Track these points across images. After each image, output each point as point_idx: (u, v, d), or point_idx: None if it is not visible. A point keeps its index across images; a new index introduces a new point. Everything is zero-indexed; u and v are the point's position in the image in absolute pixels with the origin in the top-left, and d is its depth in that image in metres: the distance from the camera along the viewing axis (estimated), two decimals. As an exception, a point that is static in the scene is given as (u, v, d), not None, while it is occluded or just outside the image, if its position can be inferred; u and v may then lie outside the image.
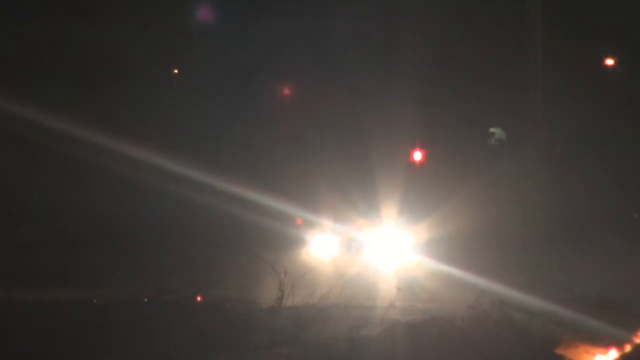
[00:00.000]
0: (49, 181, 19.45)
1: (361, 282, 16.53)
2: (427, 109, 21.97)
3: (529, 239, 19.79)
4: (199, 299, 12.67)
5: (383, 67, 21.94)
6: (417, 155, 22.60)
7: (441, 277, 17.37)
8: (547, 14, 21.80)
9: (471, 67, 21.60)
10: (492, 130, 22.47)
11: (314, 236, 20.00)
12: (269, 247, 16.65)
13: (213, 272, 13.07)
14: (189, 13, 22.19)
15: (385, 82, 21.83)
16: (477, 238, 19.77)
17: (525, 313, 12.80)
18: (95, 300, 12.31)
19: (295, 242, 19.43)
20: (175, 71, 22.76)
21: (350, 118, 22.15)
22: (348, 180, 21.38)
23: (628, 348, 11.15)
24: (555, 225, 20.32)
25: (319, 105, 22.60)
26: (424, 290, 16.94)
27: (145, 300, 12.36)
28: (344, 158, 21.97)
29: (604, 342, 11.36)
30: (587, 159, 20.34)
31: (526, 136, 21.79)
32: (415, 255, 19.37)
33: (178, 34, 21.72)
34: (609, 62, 21.48)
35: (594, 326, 11.54)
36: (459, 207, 20.53)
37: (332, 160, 21.67)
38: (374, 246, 19.96)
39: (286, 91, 22.95)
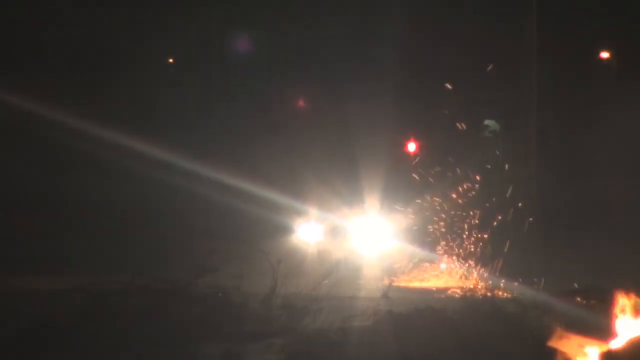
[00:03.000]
0: (47, 171, 19.43)
1: (352, 271, 16.57)
2: (420, 101, 22.03)
3: (522, 230, 19.84)
4: (193, 287, 12.66)
5: (374, 59, 21.98)
6: (411, 146, 22.66)
7: (430, 266, 17.42)
8: (542, 5, 21.88)
9: (466, 59, 21.66)
10: (486, 122, 22.56)
11: (302, 224, 20.04)
12: (259, 235, 16.68)
13: (207, 261, 13.03)
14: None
15: (376, 74, 21.88)
16: (466, 227, 19.80)
17: (517, 305, 12.84)
18: (89, 288, 12.25)
19: (283, 230, 19.47)
20: (170, 60, 22.77)
21: (339, 110, 22.21)
22: (335, 170, 21.43)
23: (620, 341, 11.19)
24: (546, 216, 20.40)
25: (308, 97, 22.64)
26: (414, 279, 17.01)
27: (140, 288, 12.34)
28: (332, 149, 22.02)
29: (597, 334, 11.39)
30: (578, 151, 20.44)
31: (519, 128, 21.87)
32: (404, 243, 19.43)
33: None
34: (604, 54, 21.59)
35: (587, 318, 11.56)
36: (449, 196, 20.58)
37: (319, 152, 21.72)
38: (361, 234, 20.02)
39: (276, 85, 22.97)
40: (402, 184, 21.42)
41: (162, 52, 22.35)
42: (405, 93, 22.06)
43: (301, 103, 22.67)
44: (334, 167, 21.51)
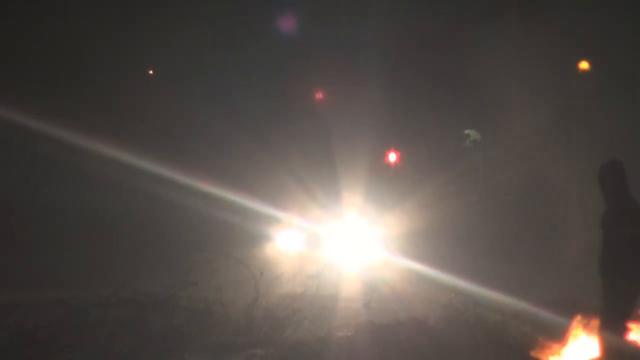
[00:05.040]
0: (27, 181, 19.38)
1: (334, 281, 16.58)
2: (402, 111, 22.11)
3: (501, 239, 19.94)
4: (174, 299, 12.65)
5: (356, 67, 22.04)
6: (392, 157, 22.75)
7: (412, 275, 17.41)
8: (522, 17, 22.01)
9: (447, 69, 21.75)
10: (467, 131, 22.66)
11: (283, 232, 20.04)
12: (240, 244, 16.64)
13: (189, 273, 13.02)
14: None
15: (357, 83, 21.93)
16: (447, 236, 19.89)
17: (499, 314, 12.88)
18: (70, 301, 12.19)
19: (264, 239, 19.45)
20: (151, 72, 22.75)
21: (321, 118, 22.27)
22: (316, 178, 21.48)
23: (601, 350, 11.21)
24: (527, 225, 20.47)
25: (289, 105, 22.67)
26: (396, 289, 17.00)
27: (122, 300, 12.30)
28: (314, 157, 22.06)
29: (577, 344, 11.44)
30: (557, 160, 20.50)
31: (499, 137, 21.97)
32: (385, 252, 19.46)
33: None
34: (583, 65, 21.76)
35: (567, 328, 11.61)
36: (429, 206, 20.67)
37: (300, 159, 21.75)
38: (342, 243, 20.03)
39: (254, 90, 22.97)
40: (383, 192, 21.51)
41: (147, 59, 22.36)
42: (387, 102, 22.16)
43: (282, 111, 22.69)
44: (315, 175, 21.56)
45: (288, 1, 22.93)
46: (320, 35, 22.42)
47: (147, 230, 19.07)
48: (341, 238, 20.22)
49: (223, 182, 19.30)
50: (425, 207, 20.55)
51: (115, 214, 19.13)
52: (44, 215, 18.84)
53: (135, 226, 19.08)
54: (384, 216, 20.94)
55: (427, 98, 21.82)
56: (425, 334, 12.42)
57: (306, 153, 21.91)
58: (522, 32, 21.74)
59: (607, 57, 20.84)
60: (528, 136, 21.18)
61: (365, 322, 12.96)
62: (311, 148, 22.12)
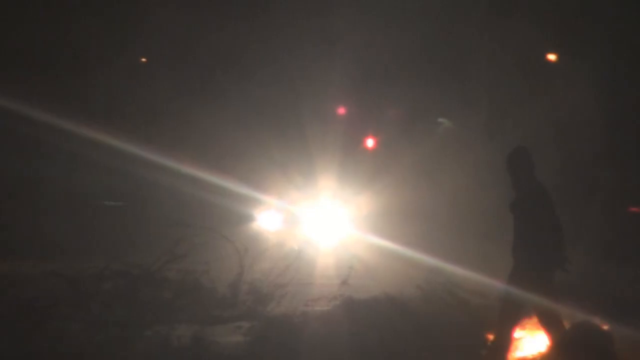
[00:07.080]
0: (23, 159, 19.60)
1: (313, 259, 17.00)
2: (378, 99, 22.48)
3: (475, 221, 20.33)
4: (164, 273, 13.06)
5: (332, 55, 22.38)
6: (369, 142, 23.16)
7: (385, 254, 17.77)
8: (495, 8, 22.38)
9: (422, 59, 22.11)
10: (440, 119, 23.11)
11: (263, 213, 20.46)
12: (224, 223, 16.94)
13: (177, 246, 13.42)
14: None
15: (334, 69, 22.26)
16: (417, 217, 20.33)
17: (475, 295, 13.34)
18: (64, 273, 12.55)
19: (246, 219, 19.86)
20: (144, 59, 23.02)
21: (297, 105, 22.61)
22: (295, 163, 21.89)
23: (573, 330, 11.56)
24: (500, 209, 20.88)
25: (268, 91, 22.98)
26: (370, 267, 17.39)
27: (114, 273, 12.71)
28: (292, 142, 22.43)
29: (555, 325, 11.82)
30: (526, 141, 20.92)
31: (471, 124, 22.42)
32: (358, 231, 19.89)
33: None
34: (551, 57, 22.20)
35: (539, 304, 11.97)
36: (402, 187, 21.09)
37: (279, 145, 22.12)
38: (319, 222, 20.48)
39: (230, 74, 23.24)
40: (358, 174, 21.94)
41: (136, 49, 22.56)
42: (363, 90, 22.52)
43: (262, 97, 22.97)
44: (293, 160, 21.97)
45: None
46: (296, 23, 22.72)
47: (137, 208, 19.43)
48: (318, 218, 20.71)
49: (208, 167, 19.68)
50: (399, 189, 20.98)
51: (108, 192, 19.48)
52: (39, 191, 19.15)
53: (127, 204, 19.44)
54: (357, 197, 21.42)
55: (403, 89, 22.20)
56: (399, 309, 12.94)
57: (285, 140, 22.32)
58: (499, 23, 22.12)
59: (576, 50, 21.27)
60: (495, 119, 21.63)
61: (343, 297, 13.37)
62: (290, 136, 22.51)
